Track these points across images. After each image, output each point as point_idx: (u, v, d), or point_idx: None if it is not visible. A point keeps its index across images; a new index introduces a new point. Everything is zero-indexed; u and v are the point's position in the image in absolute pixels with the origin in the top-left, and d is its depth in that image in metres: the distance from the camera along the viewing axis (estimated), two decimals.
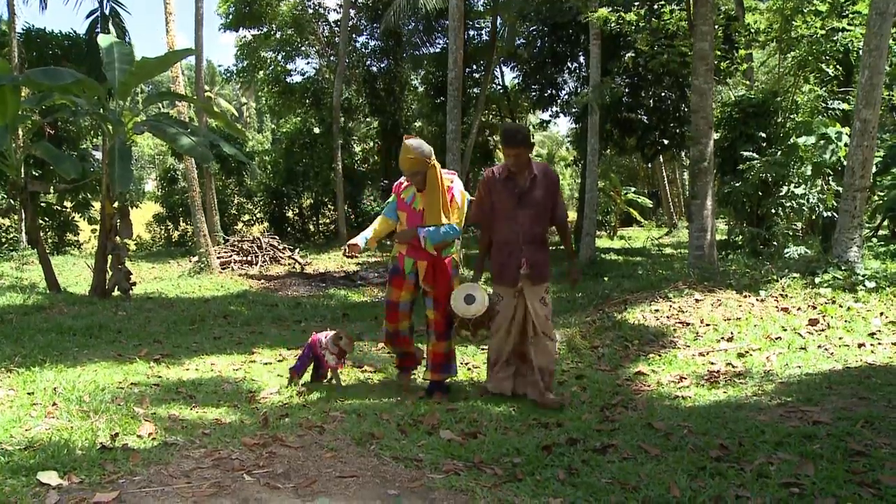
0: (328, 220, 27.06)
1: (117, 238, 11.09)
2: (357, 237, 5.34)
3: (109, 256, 11.11)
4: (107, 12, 14.55)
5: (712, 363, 6.24)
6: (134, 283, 11.64)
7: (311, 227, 27.04)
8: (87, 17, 14.11)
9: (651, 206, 34.71)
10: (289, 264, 18.83)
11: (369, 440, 3.95)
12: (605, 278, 12.19)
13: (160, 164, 33.60)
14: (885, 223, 18.85)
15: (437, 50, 26.09)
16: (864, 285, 7.80)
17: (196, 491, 3.08)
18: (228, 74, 29.40)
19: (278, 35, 26.61)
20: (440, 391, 5.45)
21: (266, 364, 6.58)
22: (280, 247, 19.70)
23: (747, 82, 15.82)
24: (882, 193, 15.23)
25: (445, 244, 5.37)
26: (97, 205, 11.88)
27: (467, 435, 4.16)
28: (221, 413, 4.60)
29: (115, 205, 11.02)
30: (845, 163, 9.37)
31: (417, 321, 5.90)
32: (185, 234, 24.01)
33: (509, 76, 30.17)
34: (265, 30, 26.28)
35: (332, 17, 27.71)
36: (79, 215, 21.79)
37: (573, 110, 21.66)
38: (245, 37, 26.76)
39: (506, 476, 3.48)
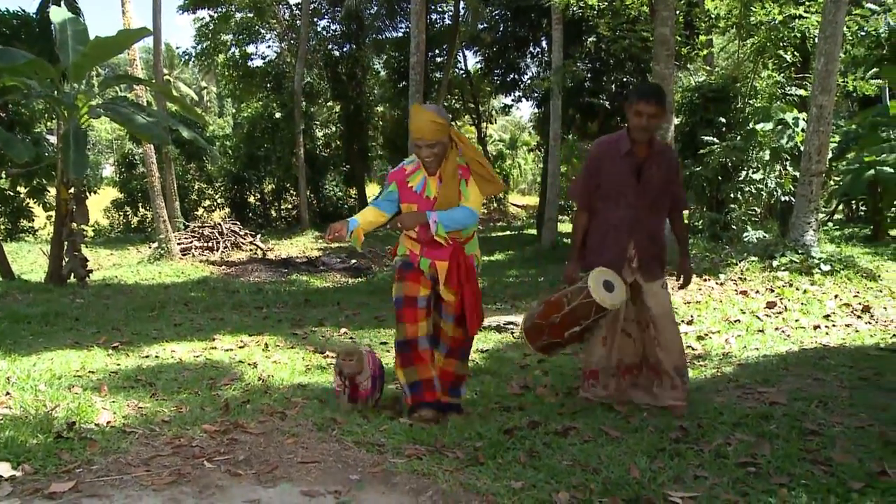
0: (290, 206, 26.87)
1: (73, 224, 10.90)
2: (344, 222, 4.23)
3: (65, 243, 10.92)
4: None
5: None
6: (91, 270, 11.46)
7: (273, 212, 26.84)
8: None
9: None
10: (250, 250, 18.68)
11: (331, 425, 3.93)
12: (567, 262, 12.23)
13: (118, 149, 33.03)
14: (841, 207, 19.21)
15: (400, 34, 25.94)
16: (820, 268, 7.95)
17: (155, 479, 3.04)
18: (187, 57, 28.93)
19: (238, 17, 26.24)
20: (456, 411, 4.38)
21: (227, 350, 6.52)
22: (241, 232, 19.54)
23: (708, 68, 15.95)
24: (838, 178, 15.50)
25: (463, 234, 4.31)
26: (53, 190, 11.65)
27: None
28: (182, 400, 4.54)
29: (71, 190, 10.82)
30: (802, 148, 9.51)
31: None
32: (145, 219, 23.68)
33: (472, 60, 30.10)
34: (224, 11, 25.86)
35: None
36: (34, 201, 21.37)
37: (535, 95, 21.70)
38: (203, 18, 26.33)
39: (467, 460, 3.49)
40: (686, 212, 9.40)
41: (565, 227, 24.65)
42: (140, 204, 24.03)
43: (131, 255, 17.70)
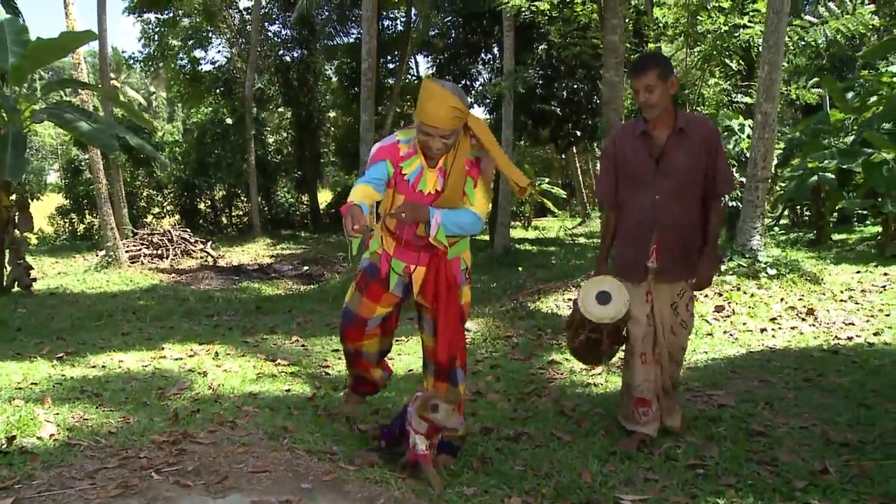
0: (241, 213, 26.57)
1: (16, 231, 10.64)
2: (357, 208, 3.15)
3: (8, 251, 10.66)
4: None
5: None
6: (35, 279, 11.20)
7: (224, 219, 26.49)
8: None
9: (565, 196, 35.22)
10: (201, 257, 18.43)
11: (282, 434, 3.90)
12: (520, 268, 12.33)
13: (63, 155, 32.34)
14: (786, 213, 19.63)
15: (352, 40, 25.85)
16: (766, 272, 8.10)
17: (100, 492, 2.97)
18: (132, 61, 28.42)
19: (185, 21, 25.87)
20: (447, 452, 3.65)
21: (177, 360, 6.41)
22: (192, 240, 19.26)
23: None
24: (783, 184, 15.83)
25: (459, 239, 3.63)
26: None
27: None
28: (129, 411, 4.45)
29: (13, 196, 10.55)
30: (748, 154, 9.70)
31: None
32: (92, 227, 23.15)
33: (424, 66, 30.15)
34: (170, 15, 25.46)
35: (243, 3, 27.19)
36: None
37: (487, 101, 21.78)
38: (149, 20, 25.85)
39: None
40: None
41: (517, 232, 24.83)
42: (86, 211, 23.50)
43: (77, 264, 17.33)
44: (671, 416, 3.92)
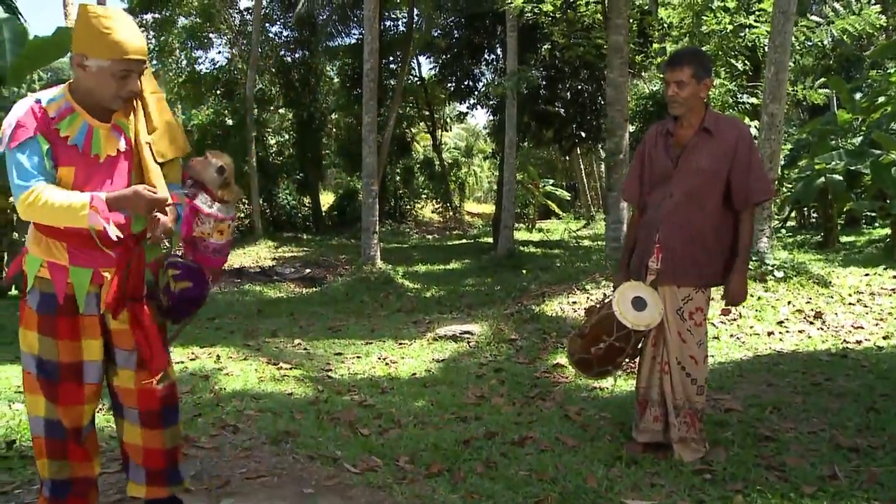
0: (242, 215, 26.55)
1: (15, 234, 10.60)
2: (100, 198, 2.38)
3: (6, 254, 10.63)
4: None
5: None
6: None
7: None
8: None
9: (569, 198, 35.23)
10: None
11: (285, 438, 3.86)
12: (524, 271, 12.29)
13: None
14: (793, 214, 19.59)
15: (353, 40, 25.83)
16: (774, 275, 8.04)
17: (101, 497, 2.93)
18: None
19: (184, 22, 25.79)
20: None
21: (178, 363, 6.37)
22: None
23: (661, 76, 16.16)
24: (790, 185, 15.80)
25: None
26: None
27: (385, 430, 4.10)
28: None
29: (12, 199, 10.52)
30: None
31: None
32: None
33: (426, 67, 30.22)
34: (168, 14, 25.37)
35: (244, 3, 27.14)
36: None
37: (490, 102, 21.78)
38: (146, 20, 25.76)
39: (424, 471, 3.44)
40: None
41: (521, 234, 24.80)
42: None
43: None
44: (684, 447, 3.59)
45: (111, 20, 2.39)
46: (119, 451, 2.83)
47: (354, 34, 25.74)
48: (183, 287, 2.67)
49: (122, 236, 2.39)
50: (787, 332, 6.57)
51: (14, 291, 10.59)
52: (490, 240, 19.01)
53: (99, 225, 2.34)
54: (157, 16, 25.39)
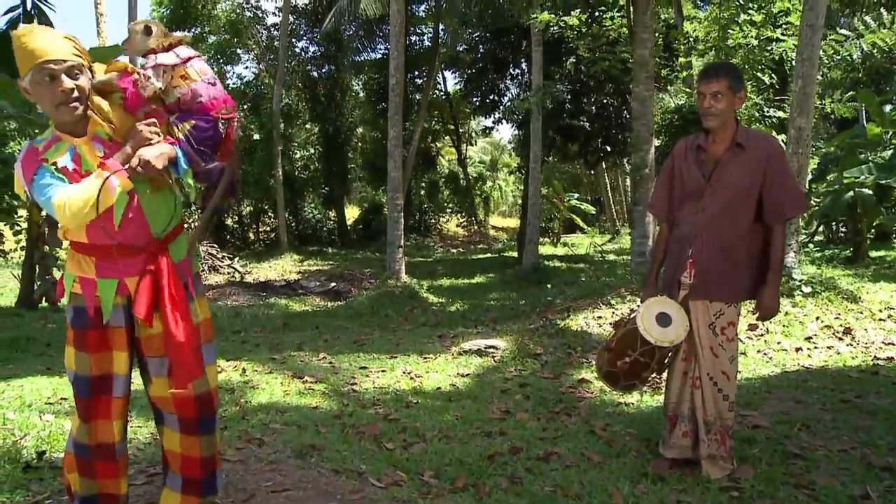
0: (268, 228, 26.74)
1: (46, 247, 10.75)
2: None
3: (37, 266, 10.76)
4: (29, 9, 13.91)
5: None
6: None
7: (252, 234, 26.68)
8: (6, 13, 13.47)
9: (594, 212, 35.09)
10: (228, 273, 18.53)
11: (310, 452, 3.87)
12: (549, 285, 12.25)
13: None
14: (821, 229, 19.36)
15: (379, 55, 26.03)
16: (801, 290, 7.96)
17: None
18: None
19: (213, 39, 26.13)
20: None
21: None
22: (219, 255, 19.39)
23: (688, 90, 16.09)
24: (818, 200, 15.62)
25: (172, 225, 2.91)
26: (22, 212, 11.49)
27: (410, 445, 4.09)
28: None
29: (44, 213, 10.68)
30: None
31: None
32: None
33: (452, 81, 30.36)
34: (198, 31, 25.75)
35: (271, 20, 27.39)
36: (3, 223, 21.06)
37: (515, 116, 21.79)
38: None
39: (448, 486, 3.43)
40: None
41: (546, 249, 24.73)
42: None
43: None
44: (713, 464, 3.55)
45: (26, 35, 2.47)
46: (160, 459, 2.97)
47: (380, 49, 25.95)
48: (189, 127, 2.73)
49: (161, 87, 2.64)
50: (816, 347, 6.49)
51: (44, 303, 10.72)
52: (515, 254, 18.95)
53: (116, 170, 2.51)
54: (187, 33, 25.70)
